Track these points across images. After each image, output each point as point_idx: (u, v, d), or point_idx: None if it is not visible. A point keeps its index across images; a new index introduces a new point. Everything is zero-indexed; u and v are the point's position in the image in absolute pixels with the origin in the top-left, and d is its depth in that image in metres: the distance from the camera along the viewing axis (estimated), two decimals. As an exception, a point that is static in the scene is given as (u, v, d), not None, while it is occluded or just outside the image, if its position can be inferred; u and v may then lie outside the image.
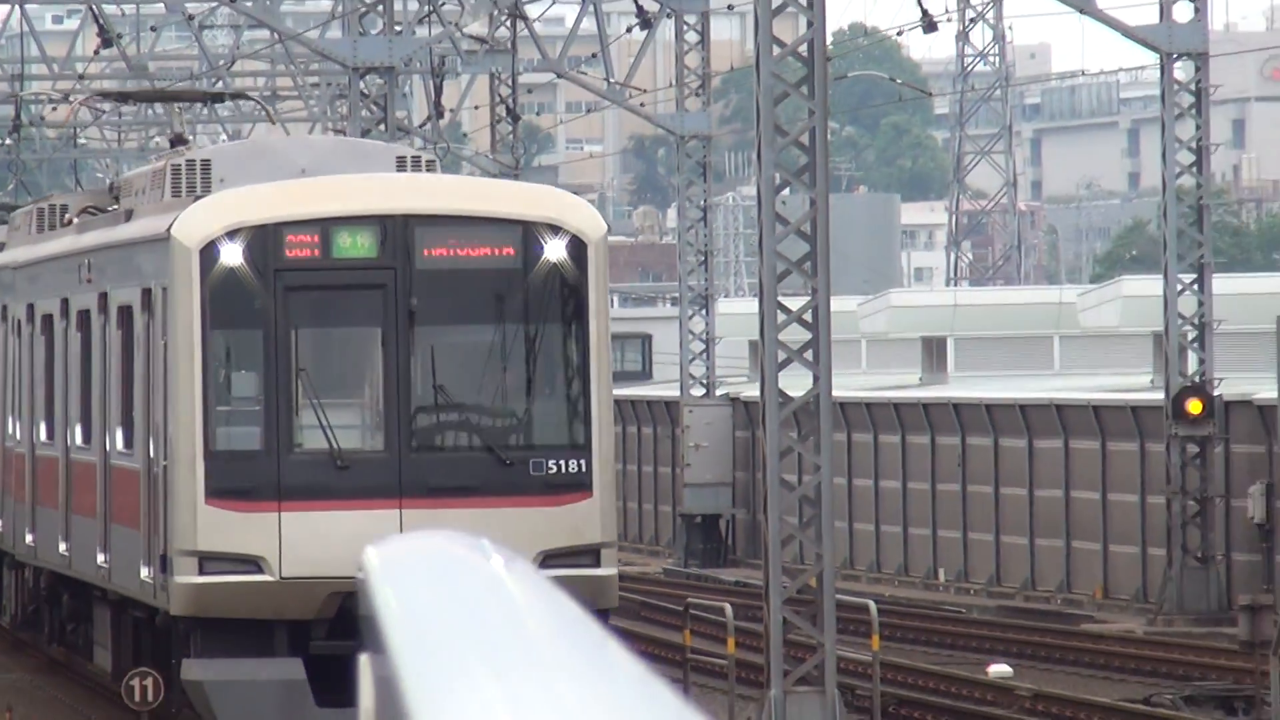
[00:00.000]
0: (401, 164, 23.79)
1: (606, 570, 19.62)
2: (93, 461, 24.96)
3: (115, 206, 28.52)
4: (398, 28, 50.63)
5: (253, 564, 18.66)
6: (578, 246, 19.56)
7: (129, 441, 22.85)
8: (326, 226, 19.20)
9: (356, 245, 19.16)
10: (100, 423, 24.80)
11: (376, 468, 19.19)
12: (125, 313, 23.35)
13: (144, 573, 21.12)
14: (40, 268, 30.49)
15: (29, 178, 79.46)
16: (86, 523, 24.06)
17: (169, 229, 19.48)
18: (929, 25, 61.82)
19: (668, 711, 2.68)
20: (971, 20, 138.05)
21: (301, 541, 18.72)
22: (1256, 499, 49.57)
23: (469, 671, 3.25)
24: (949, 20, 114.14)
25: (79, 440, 26.33)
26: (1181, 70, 54.03)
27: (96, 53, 66.41)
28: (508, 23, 57.01)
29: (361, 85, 49.03)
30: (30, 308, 30.64)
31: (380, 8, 46.33)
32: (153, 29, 73.13)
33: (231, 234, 19.04)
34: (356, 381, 19.76)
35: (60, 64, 79.99)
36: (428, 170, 24.39)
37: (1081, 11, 53.73)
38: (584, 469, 19.43)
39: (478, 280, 19.54)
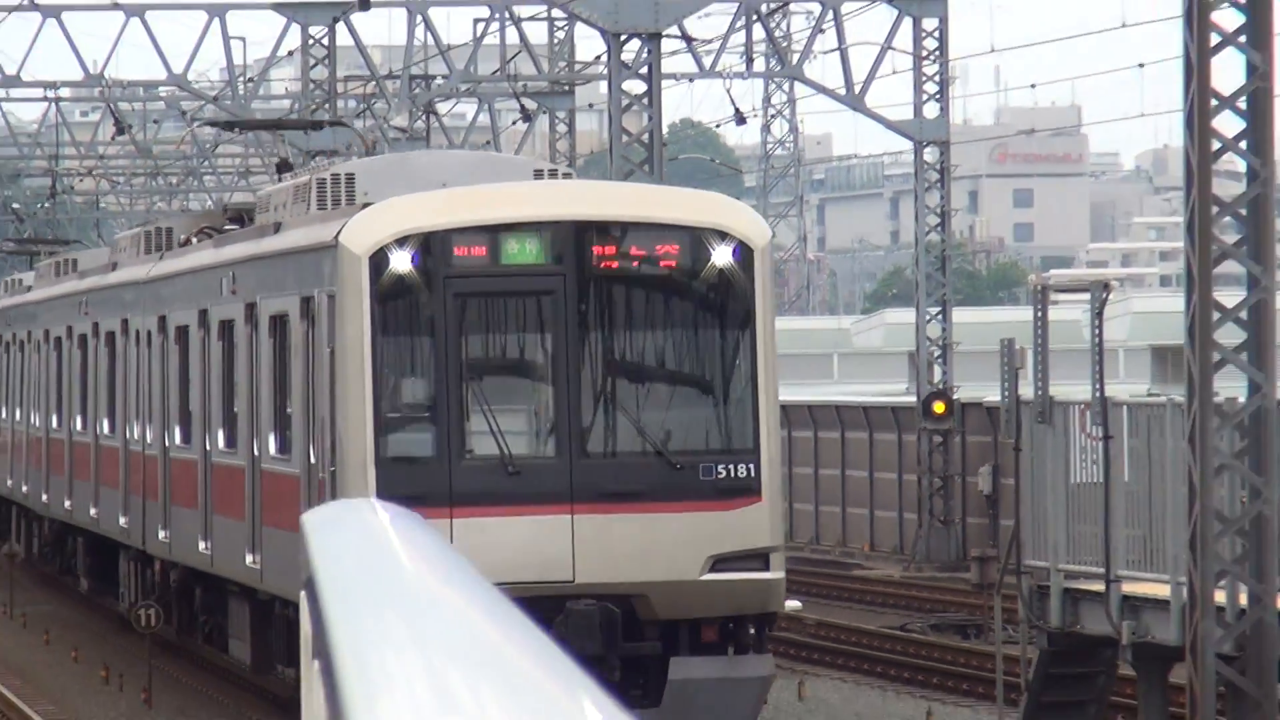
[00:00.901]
0: (539, 176, 20.36)
1: (775, 574, 16.26)
2: (240, 465, 21.22)
3: (231, 227, 25.07)
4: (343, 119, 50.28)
5: None
6: (745, 252, 15.89)
7: (284, 447, 19.07)
8: (495, 233, 15.68)
9: (525, 252, 15.57)
10: (248, 428, 20.96)
11: (548, 474, 15.47)
12: (278, 321, 19.30)
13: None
14: (168, 283, 25.93)
15: (60, 232, 77.86)
16: (232, 524, 20.53)
17: (336, 236, 15.91)
18: (740, 119, 62.43)
19: (512, 630, 2.64)
20: (773, 115, 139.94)
21: (472, 547, 14.63)
22: (985, 477, 50.54)
23: (374, 600, 3.17)
24: (755, 116, 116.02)
25: (222, 444, 22.29)
26: (930, 154, 54.87)
27: (113, 138, 65.16)
28: (424, 117, 56.50)
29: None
30: (161, 320, 25.68)
31: (327, 105, 45.76)
32: (155, 122, 72.38)
33: (401, 241, 15.43)
34: (526, 388, 16.00)
35: (85, 147, 79.91)
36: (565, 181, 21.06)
37: (855, 109, 54.66)
38: (753, 474, 15.89)
39: (646, 286, 16.03)
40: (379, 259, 15.28)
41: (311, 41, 40.73)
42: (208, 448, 22.72)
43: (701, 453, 15.70)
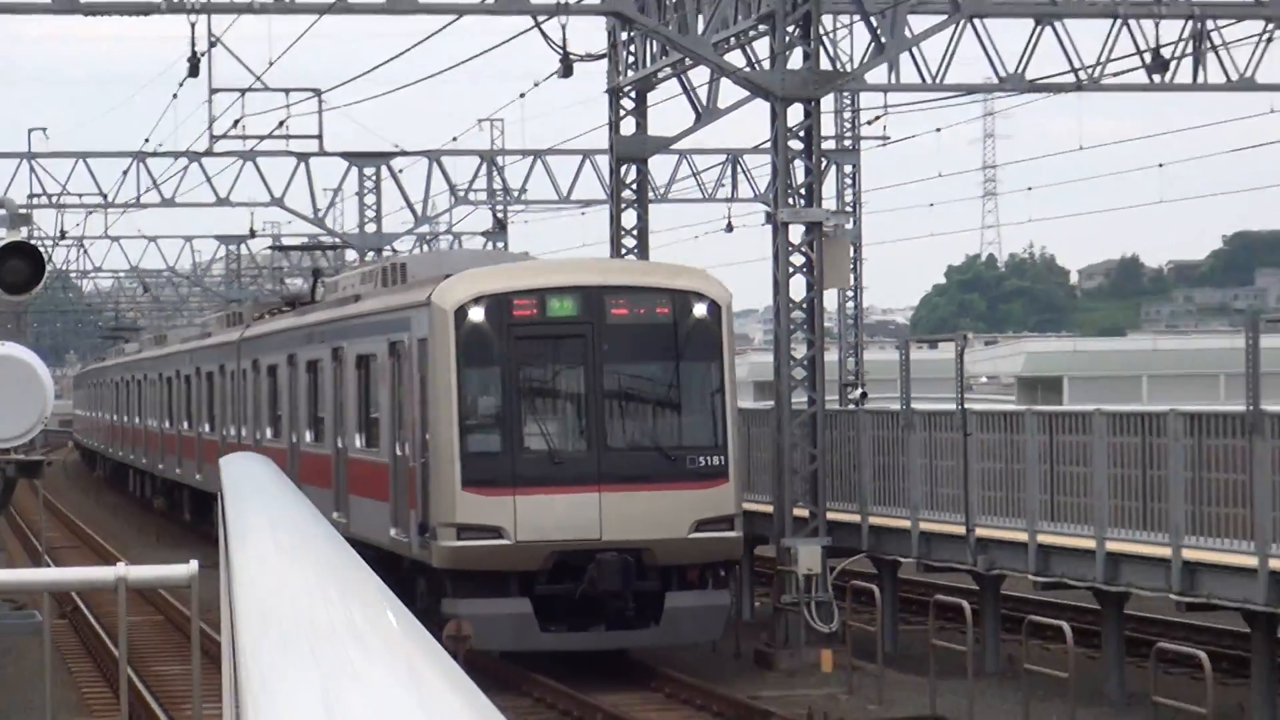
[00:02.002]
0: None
1: (736, 533, 21.00)
2: (327, 454, 27.42)
3: (309, 302, 32.89)
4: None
5: (495, 532, 19.73)
6: (714, 308, 20.95)
7: (371, 441, 24.50)
8: (543, 294, 20.58)
9: (563, 308, 20.52)
10: (332, 430, 27.09)
11: (582, 463, 20.24)
12: (364, 359, 25.01)
13: (393, 533, 22.34)
14: (273, 337, 33.30)
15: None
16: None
17: (429, 297, 20.70)
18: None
19: (302, 504, 3.75)
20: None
21: (530, 516, 19.81)
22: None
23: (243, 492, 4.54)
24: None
25: (308, 439, 29.42)
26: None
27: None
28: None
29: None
30: (255, 361, 34.52)
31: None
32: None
33: (476, 300, 20.26)
34: (565, 403, 21.01)
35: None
36: None
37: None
38: (722, 463, 20.66)
39: (647, 332, 20.93)
40: (460, 313, 20.14)
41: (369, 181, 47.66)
42: (297, 442, 29.95)
43: (687, 448, 20.66)
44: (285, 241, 61.95)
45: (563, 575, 19.94)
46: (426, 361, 20.85)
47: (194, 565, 4.29)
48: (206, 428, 39.87)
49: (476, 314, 20.28)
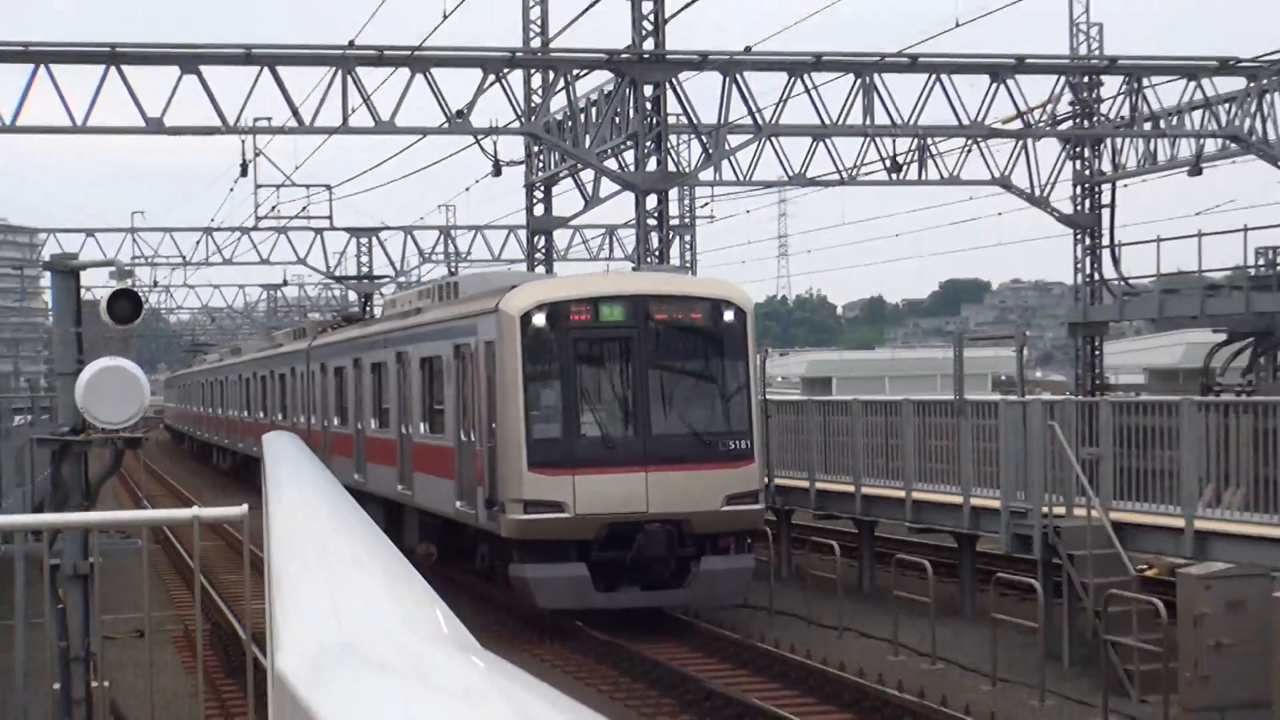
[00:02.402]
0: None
1: (760, 507, 17.97)
2: (392, 439, 23.84)
3: (362, 319, 29.11)
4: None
5: (557, 506, 16.63)
6: (741, 314, 17.66)
7: (435, 429, 20.99)
8: (595, 302, 17.27)
9: (613, 313, 17.28)
10: (396, 419, 23.21)
11: (631, 446, 16.90)
12: (427, 361, 21.36)
13: (459, 505, 19.16)
14: (339, 345, 29.11)
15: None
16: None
17: (497, 306, 17.47)
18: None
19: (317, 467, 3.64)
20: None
21: (587, 492, 16.64)
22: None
23: (278, 458, 4.54)
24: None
25: (373, 426, 25.28)
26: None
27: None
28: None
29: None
30: (322, 365, 30.16)
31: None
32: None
33: (538, 308, 17.03)
34: (616, 395, 17.46)
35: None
36: None
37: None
38: (748, 446, 17.42)
39: (684, 334, 17.73)
40: (525, 318, 16.92)
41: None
42: (367, 427, 25.11)
43: (719, 433, 17.30)
44: (308, 290, 64.13)
45: (613, 544, 16.81)
46: (495, 360, 17.53)
47: (245, 508, 4.33)
48: (279, 416, 36.38)
49: (539, 319, 17.01)
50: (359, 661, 2.11)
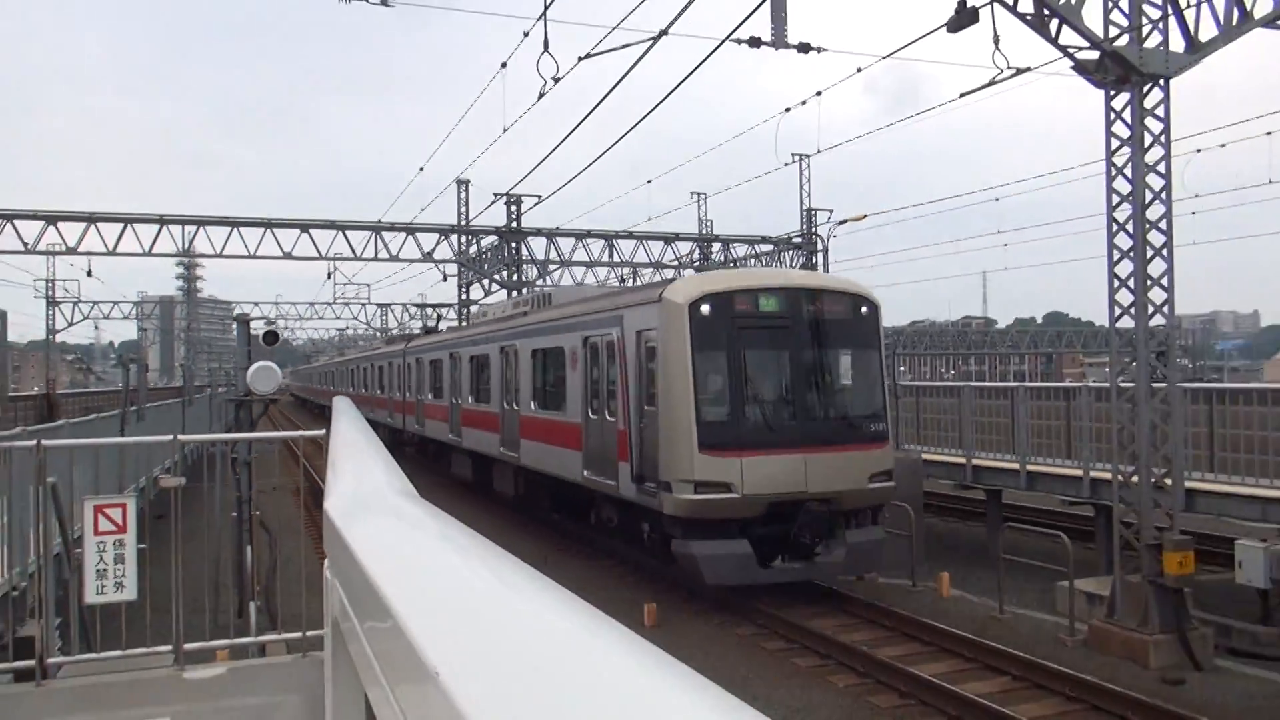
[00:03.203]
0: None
1: (893, 483, 18.25)
2: (493, 412, 26.04)
3: (485, 317, 30.90)
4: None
5: (726, 486, 16.82)
6: (874, 308, 18.49)
7: (550, 405, 22.31)
8: (756, 293, 17.76)
9: (771, 304, 17.76)
10: (499, 395, 25.89)
11: (790, 429, 17.34)
12: (539, 353, 23.27)
13: (586, 473, 20.04)
14: (433, 345, 34.68)
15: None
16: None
17: (661, 296, 17.93)
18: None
19: (393, 479, 4.34)
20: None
21: (752, 473, 16.93)
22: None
23: (341, 439, 5.63)
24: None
25: (474, 401, 28.35)
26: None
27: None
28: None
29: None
30: (420, 358, 36.04)
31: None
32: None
33: (705, 297, 17.42)
34: (776, 381, 17.82)
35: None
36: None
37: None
38: (885, 428, 18.23)
39: (832, 325, 18.19)
40: (694, 307, 17.19)
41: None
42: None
43: (863, 417, 17.86)
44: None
45: (773, 521, 17.06)
46: (655, 348, 17.96)
47: (324, 431, 7.15)
48: (379, 391, 45.78)
49: (705, 308, 17.40)
50: (368, 507, 3.71)
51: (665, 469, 17.26)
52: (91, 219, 37.78)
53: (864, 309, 18.55)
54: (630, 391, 18.76)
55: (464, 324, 44.46)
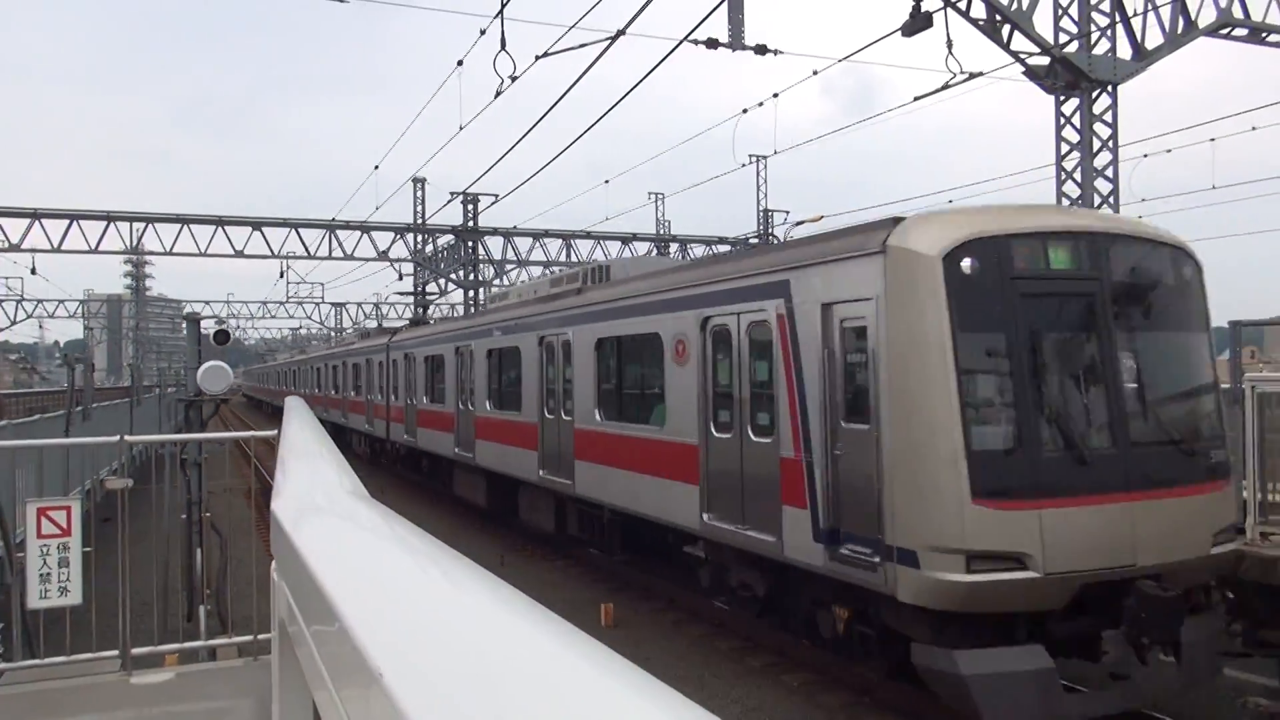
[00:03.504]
0: None
1: (1235, 545, 11.42)
2: (529, 422, 19.71)
3: (519, 297, 23.78)
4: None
5: (1016, 561, 10.19)
6: (1199, 269, 11.79)
7: (630, 416, 16.08)
8: (1044, 240, 10.90)
9: (1064, 259, 10.91)
10: (537, 401, 19.50)
11: (1109, 464, 10.26)
12: (606, 343, 17.05)
13: (706, 517, 13.69)
14: (411, 341, 30.56)
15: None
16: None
17: (884, 243, 10.74)
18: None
19: (339, 475, 4.26)
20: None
21: (1058, 537, 10.13)
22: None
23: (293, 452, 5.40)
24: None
25: (493, 407, 22.29)
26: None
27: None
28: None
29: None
30: (404, 354, 31.02)
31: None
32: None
33: (969, 244, 10.59)
34: (1079, 384, 10.96)
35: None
36: None
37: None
38: (1225, 457, 11.60)
39: (1151, 295, 11.38)
40: (951, 261, 10.29)
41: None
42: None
43: (1202, 440, 11.15)
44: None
45: (1080, 611, 10.42)
46: (879, 329, 10.54)
47: (276, 431, 6.93)
48: (353, 394, 41.30)
49: (970, 263, 10.34)
50: (317, 508, 3.64)
51: (904, 528, 10.58)
52: (36, 215, 37.37)
53: (1186, 270, 11.79)
54: (807, 397, 11.74)
55: (477, 309, 40.55)
